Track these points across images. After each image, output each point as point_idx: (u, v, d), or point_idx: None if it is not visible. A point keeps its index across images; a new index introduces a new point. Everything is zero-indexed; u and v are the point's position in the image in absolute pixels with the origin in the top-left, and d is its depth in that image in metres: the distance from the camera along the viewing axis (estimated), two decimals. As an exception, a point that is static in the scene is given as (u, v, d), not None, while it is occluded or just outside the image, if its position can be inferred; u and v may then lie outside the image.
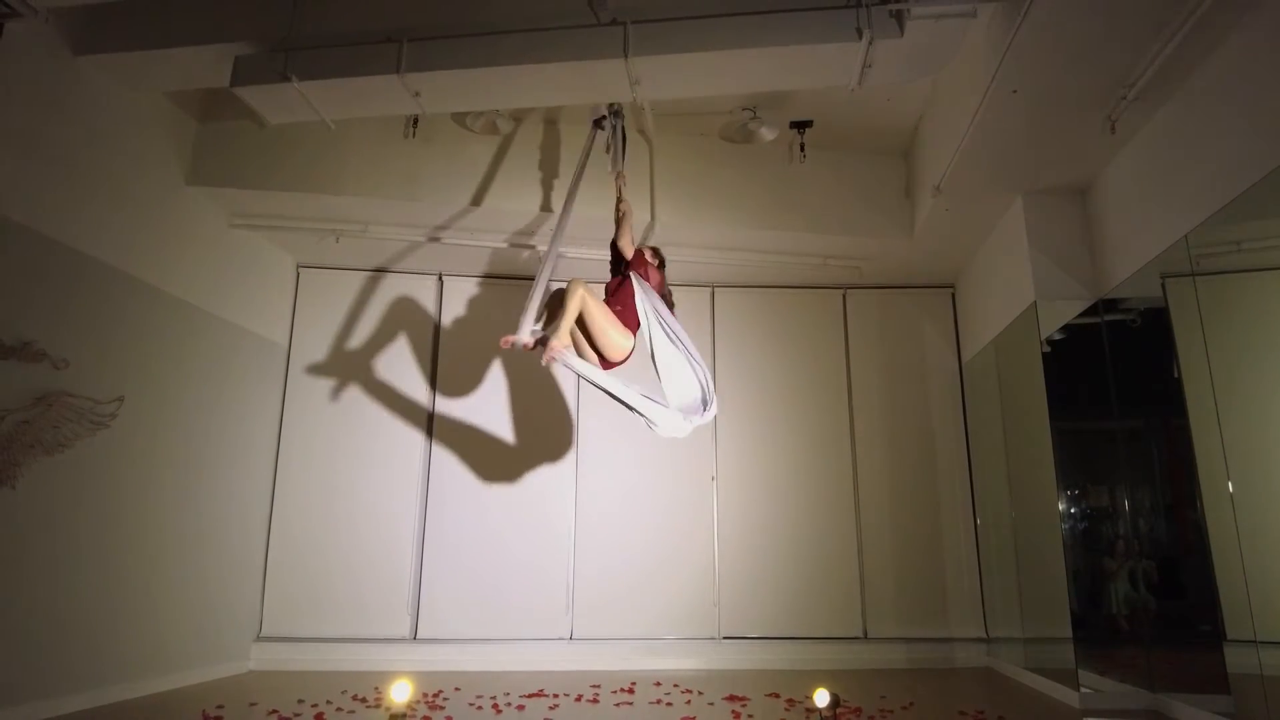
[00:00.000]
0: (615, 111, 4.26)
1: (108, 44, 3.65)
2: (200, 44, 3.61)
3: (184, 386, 4.38)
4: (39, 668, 3.45)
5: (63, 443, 3.53)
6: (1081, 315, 4.21)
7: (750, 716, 3.59)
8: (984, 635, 5.17)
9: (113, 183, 3.93)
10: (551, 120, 4.79)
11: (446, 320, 5.55)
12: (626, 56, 3.33)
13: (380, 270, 5.56)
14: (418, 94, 3.59)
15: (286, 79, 3.47)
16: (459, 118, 4.61)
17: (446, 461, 5.34)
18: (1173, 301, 3.59)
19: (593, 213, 4.46)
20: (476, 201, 4.69)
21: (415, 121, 4.59)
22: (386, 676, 4.16)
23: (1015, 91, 3.41)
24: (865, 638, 5.19)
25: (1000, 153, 3.94)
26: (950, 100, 4.09)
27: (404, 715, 3.53)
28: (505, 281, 5.62)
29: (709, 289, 5.73)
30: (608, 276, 4.07)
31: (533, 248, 5.10)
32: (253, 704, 3.80)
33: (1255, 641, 3.01)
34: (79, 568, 3.67)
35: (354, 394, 5.37)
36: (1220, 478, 3.27)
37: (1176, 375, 3.56)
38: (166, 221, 4.30)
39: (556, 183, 4.74)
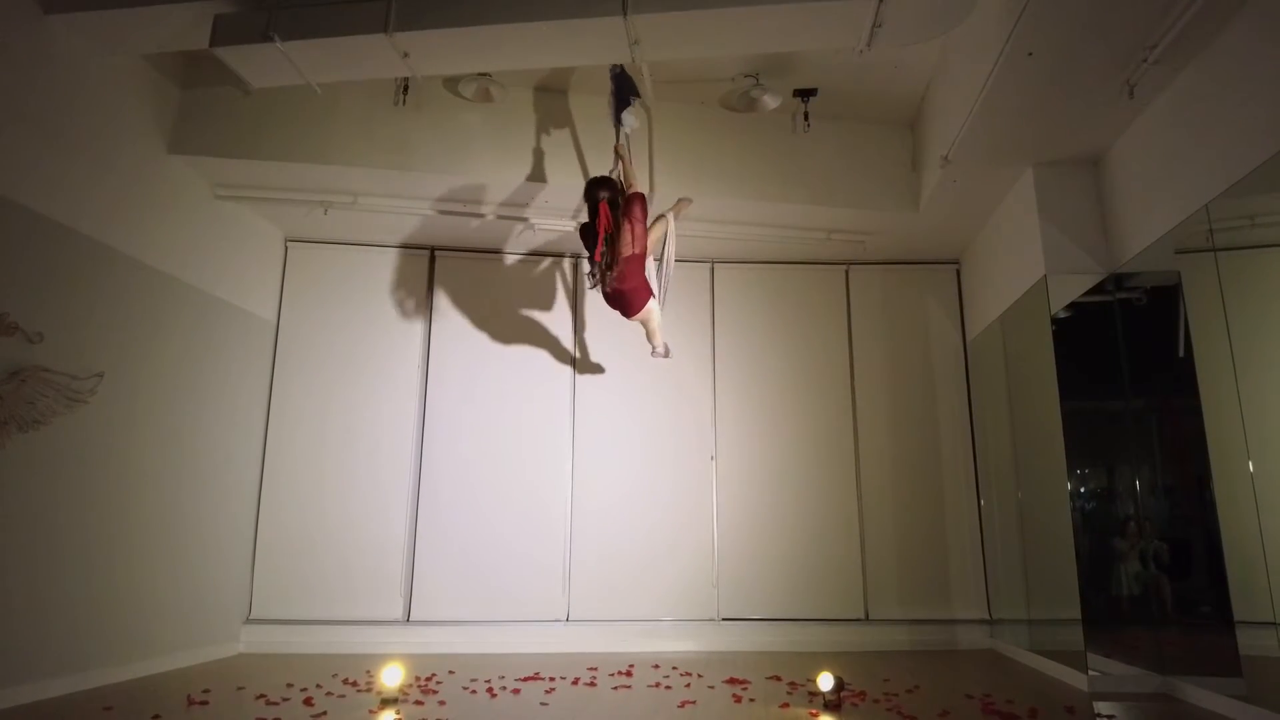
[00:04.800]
0: (617, 74, 4.10)
1: (79, 1, 3.47)
2: (177, 1, 3.44)
3: (167, 363, 4.24)
4: (18, 651, 3.33)
5: (38, 419, 3.39)
6: (1089, 293, 4.09)
7: (751, 700, 3.49)
8: (987, 617, 5.09)
9: (89, 150, 3.76)
10: (549, 87, 4.63)
11: (439, 297, 5.42)
12: (626, 14, 3.18)
13: (371, 245, 5.41)
14: (406, 55, 3.44)
15: (269, 39, 3.32)
16: (451, 84, 4.45)
17: (440, 439, 5.23)
18: (1186, 277, 3.47)
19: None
20: (470, 172, 4.54)
21: (406, 88, 4.44)
22: (378, 659, 4.09)
23: (1031, 54, 3.27)
24: (866, 619, 5.11)
25: (1012, 120, 3.80)
26: (961, 66, 3.94)
27: (396, 699, 3.45)
28: (499, 256, 5.49)
29: (708, 264, 5.60)
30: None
31: (526, 220, 4.94)
32: (240, 688, 3.70)
33: (1275, 624, 2.92)
34: (59, 548, 3.55)
35: (345, 372, 5.24)
36: (1233, 457, 3.17)
37: (1181, 354, 3.46)
38: (147, 191, 4.13)
39: (557, 152, 4.58)
